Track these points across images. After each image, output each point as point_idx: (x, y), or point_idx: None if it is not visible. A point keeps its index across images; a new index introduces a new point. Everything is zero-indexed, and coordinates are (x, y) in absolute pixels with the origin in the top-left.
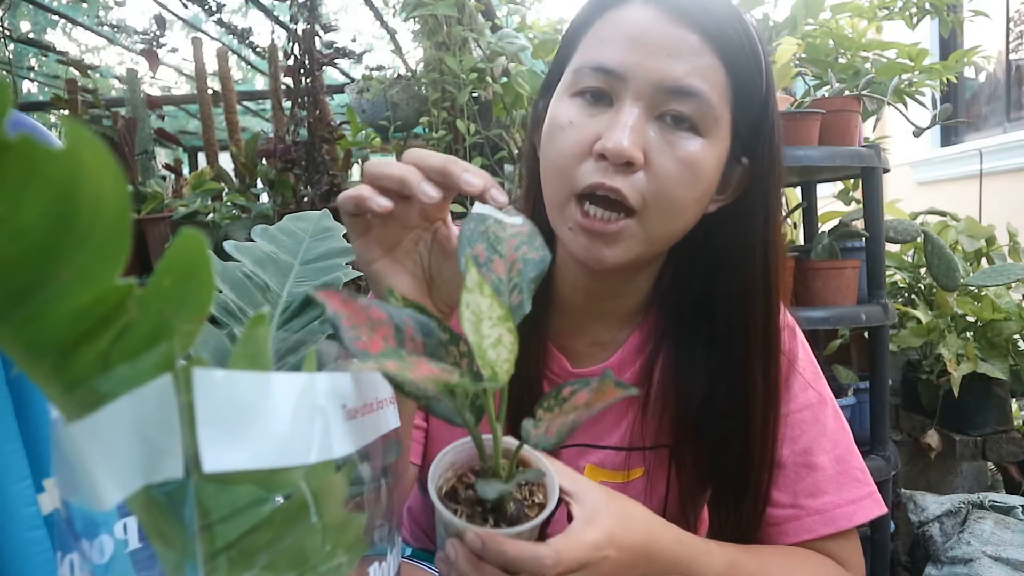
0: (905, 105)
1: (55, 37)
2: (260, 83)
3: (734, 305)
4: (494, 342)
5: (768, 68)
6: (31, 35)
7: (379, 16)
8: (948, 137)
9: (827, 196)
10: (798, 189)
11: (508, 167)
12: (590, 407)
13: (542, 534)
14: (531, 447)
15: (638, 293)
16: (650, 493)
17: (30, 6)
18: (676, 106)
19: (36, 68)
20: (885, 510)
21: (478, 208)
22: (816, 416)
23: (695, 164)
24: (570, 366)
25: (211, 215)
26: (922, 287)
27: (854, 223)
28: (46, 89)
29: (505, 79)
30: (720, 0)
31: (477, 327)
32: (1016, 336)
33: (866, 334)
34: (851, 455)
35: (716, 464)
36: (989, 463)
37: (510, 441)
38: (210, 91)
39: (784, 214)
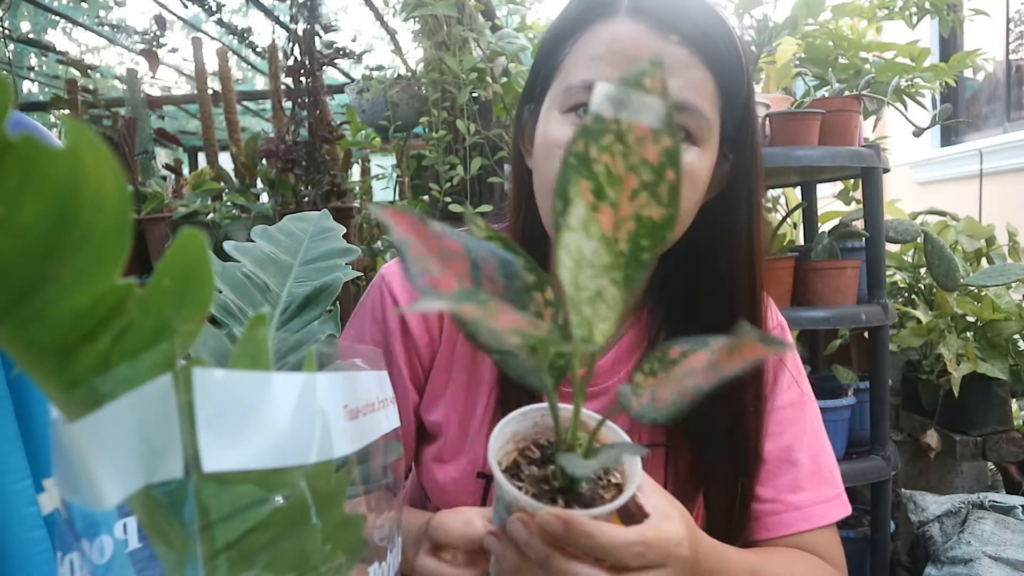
0: (905, 105)
1: (55, 37)
2: (260, 83)
3: (720, 297)
4: (592, 296)
5: (748, 66)
6: (31, 35)
7: (379, 16)
8: (948, 137)
9: (827, 196)
10: (798, 189)
11: (508, 167)
12: (718, 369)
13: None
14: (635, 417)
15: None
16: None
17: (30, 6)
18: None
19: (36, 68)
20: (850, 512)
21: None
22: (798, 414)
23: (692, 174)
24: None
25: (211, 215)
26: (922, 287)
27: (854, 223)
28: (46, 89)
29: (505, 79)
30: (704, 6)
31: (576, 276)
32: (1016, 336)
33: (866, 334)
34: (823, 456)
35: (709, 462)
36: (989, 463)
37: (588, 415)
38: (210, 91)
39: (784, 214)
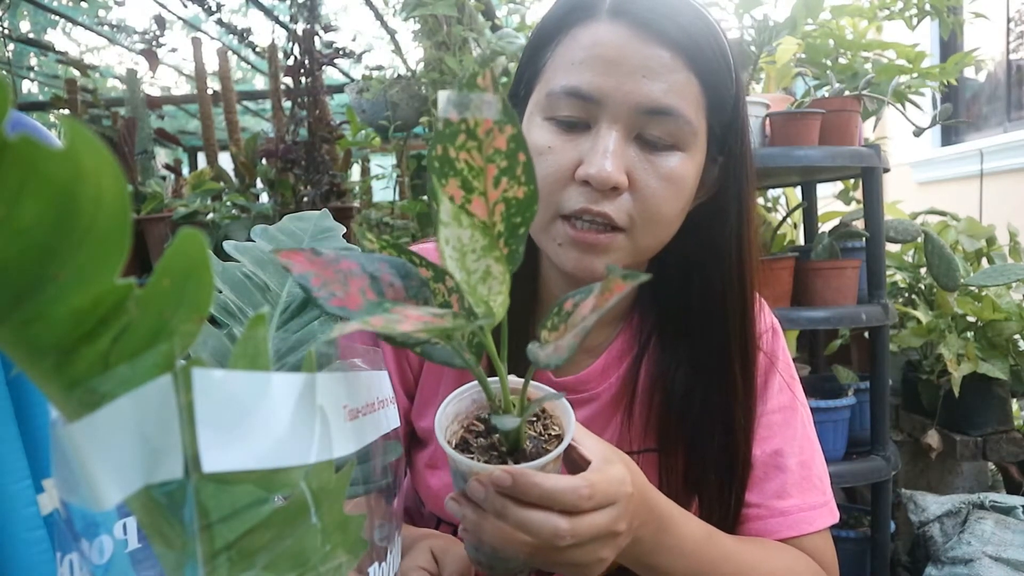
0: (904, 105)
1: (55, 37)
2: (260, 83)
3: (712, 301)
4: (482, 275)
5: (737, 68)
6: (31, 35)
7: (379, 16)
8: (948, 137)
9: (827, 196)
10: (798, 189)
11: None
12: (599, 309)
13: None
14: (543, 367)
15: (624, 299)
16: None
17: (30, 6)
18: (655, 125)
19: (36, 68)
20: (837, 520)
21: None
22: (788, 419)
23: (678, 179)
24: (552, 375)
25: (211, 215)
26: (922, 287)
27: (854, 223)
28: (46, 89)
29: (505, 79)
30: (687, 7)
31: (462, 262)
32: (1016, 336)
33: (866, 334)
34: (813, 462)
35: (701, 468)
36: (989, 463)
37: (515, 380)
38: (210, 91)
39: (784, 214)
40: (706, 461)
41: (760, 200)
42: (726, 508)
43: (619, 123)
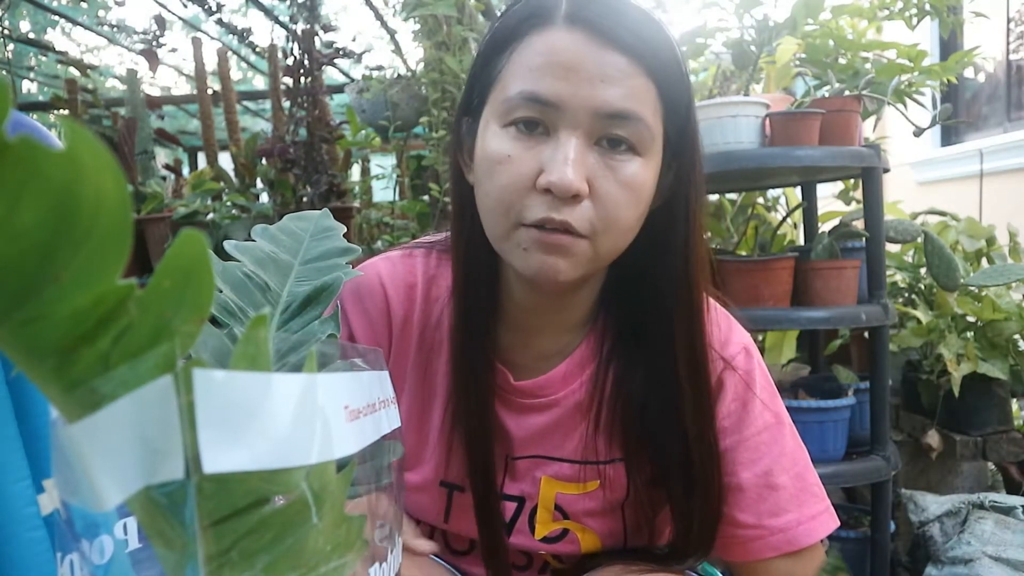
0: (905, 105)
1: (55, 37)
2: (260, 83)
3: (660, 312)
4: None
5: (687, 73)
6: (31, 35)
7: (379, 16)
8: (948, 137)
9: (827, 196)
10: (798, 189)
11: None
12: None
13: None
14: None
15: (583, 305)
16: (609, 503)
17: (30, 6)
18: (614, 130)
19: (36, 68)
20: (839, 524)
21: None
22: (774, 437)
23: (637, 185)
24: (512, 379)
25: (211, 215)
26: (922, 287)
27: (854, 223)
28: (46, 89)
29: None
30: (642, 14)
31: None
32: (1016, 336)
33: (866, 334)
34: (808, 471)
35: (666, 475)
36: (989, 463)
37: None
38: (210, 91)
39: (784, 214)
40: (670, 471)
41: (760, 200)
42: (689, 520)
43: (579, 129)
